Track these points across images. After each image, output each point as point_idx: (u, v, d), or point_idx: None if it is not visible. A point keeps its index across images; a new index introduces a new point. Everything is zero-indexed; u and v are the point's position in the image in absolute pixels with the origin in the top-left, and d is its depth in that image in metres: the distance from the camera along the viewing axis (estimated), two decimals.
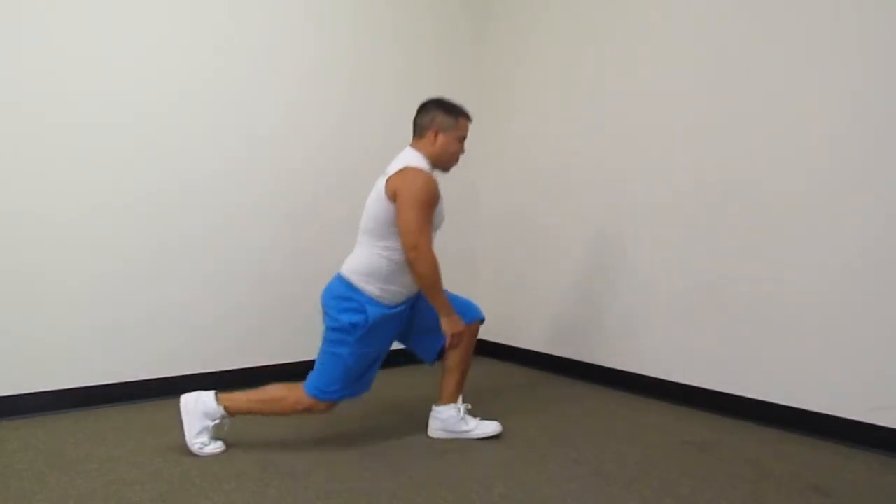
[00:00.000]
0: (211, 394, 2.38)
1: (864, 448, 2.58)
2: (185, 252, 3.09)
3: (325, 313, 2.47)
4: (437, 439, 2.60)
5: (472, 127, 2.59)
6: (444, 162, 2.54)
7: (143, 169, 2.97)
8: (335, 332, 2.41)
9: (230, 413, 2.39)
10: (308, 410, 2.42)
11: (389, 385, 3.37)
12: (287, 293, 3.40)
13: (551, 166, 3.74)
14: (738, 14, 2.94)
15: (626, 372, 3.38)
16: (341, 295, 2.43)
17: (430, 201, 2.37)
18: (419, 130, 2.52)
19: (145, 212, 2.99)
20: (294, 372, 3.39)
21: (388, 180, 2.41)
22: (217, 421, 2.38)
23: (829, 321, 2.68)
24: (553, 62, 3.73)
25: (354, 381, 2.44)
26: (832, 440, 2.67)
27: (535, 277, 3.84)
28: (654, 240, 3.26)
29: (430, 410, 2.64)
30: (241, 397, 2.41)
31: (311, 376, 2.43)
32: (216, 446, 2.39)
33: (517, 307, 3.91)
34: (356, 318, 2.38)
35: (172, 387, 3.06)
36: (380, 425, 2.76)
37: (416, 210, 2.33)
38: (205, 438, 2.37)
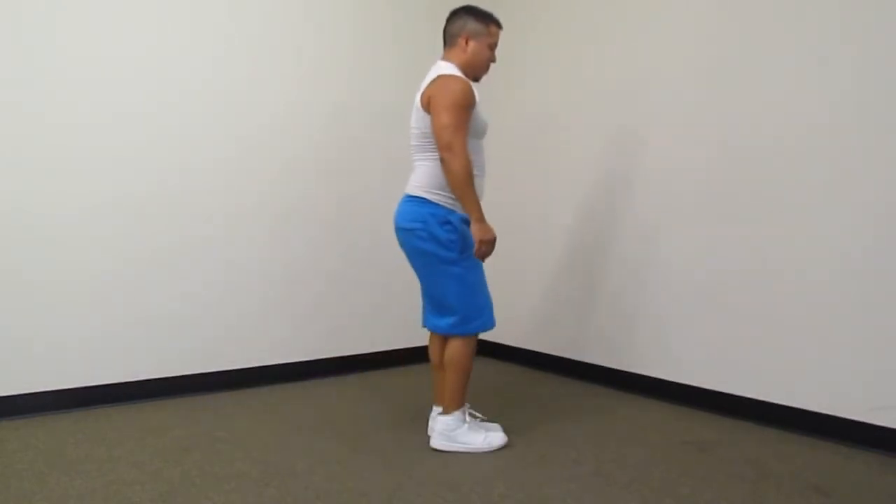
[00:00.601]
0: (434, 414, 2.56)
1: (864, 448, 2.58)
2: (185, 252, 3.09)
3: (413, 238, 2.42)
4: None
5: None
6: (475, 69, 2.49)
7: (141, 169, 2.97)
8: (438, 258, 2.38)
9: (455, 407, 2.47)
10: (474, 351, 2.49)
11: (389, 385, 3.37)
12: (289, 292, 3.40)
13: (552, 165, 3.74)
14: (745, 13, 2.94)
15: (625, 372, 3.38)
16: (422, 213, 2.39)
17: (463, 103, 2.32)
18: (450, 39, 2.49)
19: (145, 212, 2.98)
20: (295, 372, 3.41)
21: (423, 93, 2.40)
22: (467, 422, 2.50)
23: (829, 321, 2.68)
24: (554, 60, 3.72)
25: (487, 292, 2.47)
26: (832, 440, 2.66)
27: (533, 276, 3.84)
28: (654, 241, 3.26)
29: (430, 410, 2.62)
30: (447, 395, 2.49)
31: (451, 318, 2.43)
32: (495, 428, 2.57)
33: (517, 307, 3.90)
34: (447, 229, 2.37)
35: (172, 387, 3.07)
36: (380, 425, 2.76)
37: (450, 112, 2.29)
38: (477, 435, 2.49)
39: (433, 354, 2.62)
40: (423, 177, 2.42)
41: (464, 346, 2.46)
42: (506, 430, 2.61)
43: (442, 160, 2.33)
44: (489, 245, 2.39)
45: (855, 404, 2.62)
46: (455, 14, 2.51)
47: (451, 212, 2.39)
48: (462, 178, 2.31)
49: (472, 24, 2.46)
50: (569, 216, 3.65)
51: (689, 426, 2.83)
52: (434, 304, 2.51)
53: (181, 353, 3.10)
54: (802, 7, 2.75)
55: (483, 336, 2.97)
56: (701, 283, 3.08)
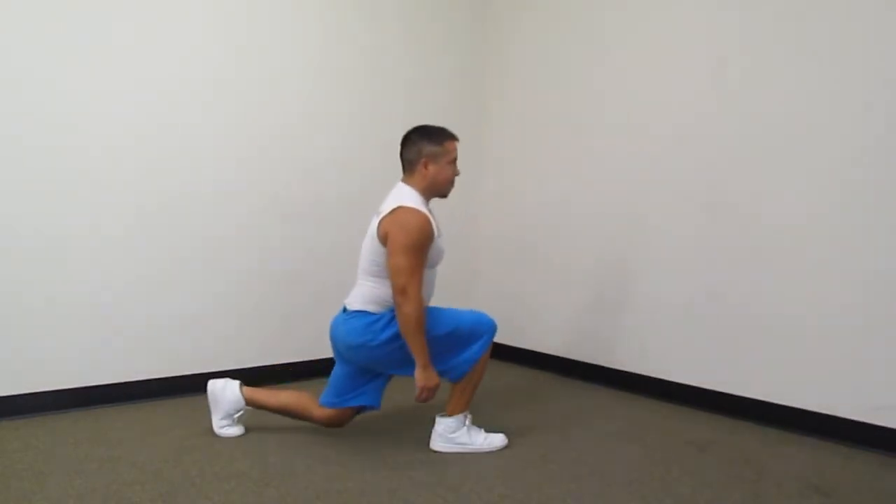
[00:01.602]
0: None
1: (864, 448, 2.58)
2: (185, 253, 3.09)
3: (360, 349, 2.43)
4: None
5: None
6: (440, 190, 2.48)
7: (149, 171, 2.97)
8: (390, 346, 2.39)
9: (459, 411, 2.48)
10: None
11: (389, 385, 3.37)
12: (290, 294, 3.39)
13: (553, 173, 3.73)
14: (742, 25, 2.94)
15: (626, 372, 3.38)
16: (365, 323, 2.41)
17: (421, 243, 2.32)
18: (408, 165, 2.47)
19: (146, 212, 2.98)
20: (295, 371, 3.41)
21: (380, 222, 2.38)
22: (467, 424, 2.48)
23: (829, 321, 2.68)
24: (553, 71, 3.71)
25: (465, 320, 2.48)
26: (832, 440, 2.66)
27: (535, 279, 3.84)
28: (655, 242, 3.25)
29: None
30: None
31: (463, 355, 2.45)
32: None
33: (517, 307, 3.90)
34: (394, 328, 2.37)
35: (172, 387, 3.06)
36: (380, 426, 2.76)
37: (407, 254, 2.29)
38: (477, 436, 2.50)
39: None
40: (371, 296, 2.43)
41: (483, 357, 2.49)
42: (506, 431, 2.61)
43: (395, 303, 2.32)
44: (430, 392, 2.39)
45: (855, 404, 2.62)
46: (408, 139, 2.47)
47: (393, 319, 2.38)
48: (413, 323, 2.30)
49: (428, 147, 2.42)
50: (569, 219, 3.65)
51: (689, 426, 2.83)
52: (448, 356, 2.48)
53: (181, 353, 3.10)
54: (808, 11, 2.75)
55: None
56: (701, 284, 3.08)
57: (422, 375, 2.35)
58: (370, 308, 2.42)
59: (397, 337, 2.37)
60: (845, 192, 2.64)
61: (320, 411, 2.57)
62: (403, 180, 2.49)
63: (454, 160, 2.48)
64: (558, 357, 3.71)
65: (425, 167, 2.43)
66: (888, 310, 2.54)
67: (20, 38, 2.67)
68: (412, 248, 2.30)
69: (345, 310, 2.51)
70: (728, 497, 2.12)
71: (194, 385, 3.11)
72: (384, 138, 3.57)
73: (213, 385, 2.58)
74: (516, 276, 3.94)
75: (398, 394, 3.16)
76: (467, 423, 2.51)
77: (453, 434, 2.48)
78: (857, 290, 2.61)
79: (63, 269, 2.80)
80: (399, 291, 2.29)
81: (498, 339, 3.97)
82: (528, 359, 3.88)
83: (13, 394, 2.72)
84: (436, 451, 2.48)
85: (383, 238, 2.35)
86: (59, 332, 2.81)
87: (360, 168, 3.57)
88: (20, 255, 2.72)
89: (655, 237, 3.25)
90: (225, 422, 2.57)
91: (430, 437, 2.52)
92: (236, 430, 2.58)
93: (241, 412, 2.58)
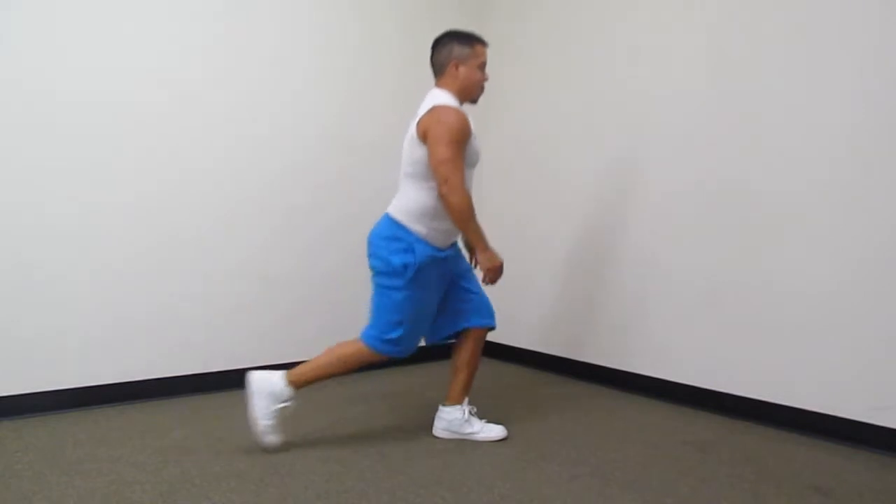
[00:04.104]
0: (279, 374, 2.41)
1: (864, 448, 2.58)
2: (185, 252, 3.09)
3: (374, 255, 2.47)
4: (439, 438, 2.60)
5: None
6: (470, 93, 2.51)
7: (144, 167, 2.97)
8: (387, 277, 2.42)
9: (298, 386, 2.41)
10: (369, 362, 2.47)
11: (390, 384, 3.37)
12: (290, 292, 3.40)
13: (550, 165, 3.74)
14: (741, 13, 2.94)
15: (625, 372, 3.38)
16: (390, 235, 2.43)
17: (460, 136, 2.35)
18: (439, 68, 2.51)
19: (146, 212, 2.98)
20: None
21: (418, 122, 2.40)
22: (286, 402, 2.41)
23: (829, 321, 2.68)
24: (551, 61, 3.72)
25: (411, 329, 2.45)
26: (832, 440, 2.67)
27: (534, 277, 3.84)
28: (654, 240, 3.26)
29: (430, 410, 2.64)
30: (305, 368, 2.44)
31: (368, 326, 2.46)
32: (276, 438, 2.42)
33: (517, 307, 3.91)
34: (407, 258, 2.39)
35: (172, 387, 3.06)
36: (380, 425, 2.76)
37: (447, 145, 2.31)
38: (272, 422, 2.40)
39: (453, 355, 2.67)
40: (409, 202, 2.44)
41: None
42: (506, 430, 2.62)
43: (441, 195, 2.35)
44: (495, 272, 2.48)
45: (855, 404, 2.63)
46: (439, 42, 2.52)
47: (420, 241, 2.41)
48: (464, 212, 2.36)
49: (458, 49, 2.47)
50: (571, 222, 3.65)
51: (689, 426, 2.83)
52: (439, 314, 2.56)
53: (181, 353, 3.10)
54: (806, 6, 2.75)
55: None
56: (701, 284, 3.08)
57: (483, 258, 2.46)
58: (403, 218, 2.43)
59: (400, 273, 2.38)
60: (846, 193, 2.64)
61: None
62: (436, 85, 2.52)
63: (483, 64, 2.53)
64: (558, 357, 3.72)
65: (456, 68, 2.47)
66: (889, 310, 2.54)
67: (22, 32, 2.67)
68: (452, 141, 2.33)
69: (386, 214, 2.52)
70: (728, 497, 2.12)
71: (194, 385, 3.12)
72: (372, 136, 3.61)
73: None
74: (515, 275, 3.94)
75: (399, 393, 3.16)
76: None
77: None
78: (858, 291, 2.61)
79: (63, 270, 2.80)
80: (443, 182, 2.33)
81: (498, 338, 4.02)
82: (527, 358, 3.88)
83: (13, 394, 2.72)
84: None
85: (423, 136, 2.37)
86: (59, 331, 2.80)
87: (357, 165, 3.58)
88: (20, 255, 2.71)
89: (655, 237, 3.25)
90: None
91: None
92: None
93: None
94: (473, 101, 2.55)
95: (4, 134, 2.67)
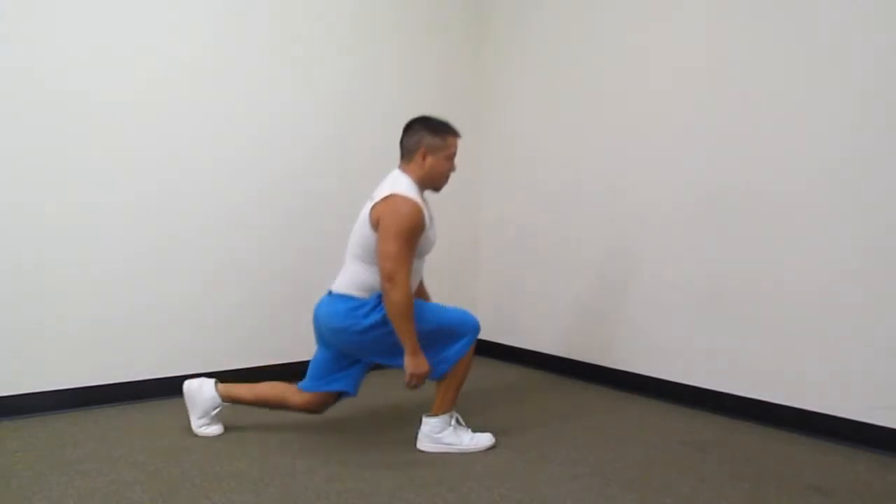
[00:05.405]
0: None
1: (864, 448, 2.58)
2: (185, 252, 3.09)
3: (342, 330, 2.42)
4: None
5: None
6: (434, 183, 2.49)
7: (143, 167, 2.97)
8: (371, 330, 2.38)
9: (444, 410, 2.46)
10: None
11: (389, 386, 3.37)
12: (289, 293, 3.39)
13: (552, 168, 3.73)
14: (740, 16, 2.94)
15: (625, 372, 3.38)
16: (349, 307, 2.41)
17: (412, 231, 2.32)
18: (406, 153, 2.47)
19: (147, 212, 2.99)
20: (296, 372, 3.39)
21: (373, 207, 2.38)
22: (452, 424, 2.47)
23: (828, 321, 2.68)
24: (554, 65, 3.71)
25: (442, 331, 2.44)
26: (832, 440, 2.66)
27: (534, 277, 3.83)
28: (654, 240, 3.25)
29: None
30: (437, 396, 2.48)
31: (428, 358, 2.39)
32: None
33: (517, 307, 3.90)
34: (375, 315, 2.37)
35: (172, 387, 3.05)
36: (380, 426, 2.76)
37: (395, 240, 2.29)
38: (464, 436, 2.47)
39: None
40: (357, 280, 2.43)
41: (466, 357, 2.48)
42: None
43: (382, 289, 2.32)
44: (420, 379, 2.37)
45: (855, 404, 2.62)
46: (410, 127, 2.48)
47: (379, 305, 2.39)
48: (401, 310, 2.29)
49: (428, 139, 2.43)
50: (567, 219, 3.64)
51: (689, 426, 2.83)
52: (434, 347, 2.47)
53: (181, 353, 3.10)
54: (805, 8, 2.75)
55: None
56: (701, 283, 3.07)
57: (411, 362, 2.34)
58: (356, 293, 2.42)
59: (381, 324, 2.37)
60: (846, 192, 2.64)
61: (299, 397, 2.55)
62: (400, 167, 2.49)
63: (452, 155, 2.49)
64: (558, 357, 3.71)
65: (423, 158, 2.43)
66: (889, 310, 2.54)
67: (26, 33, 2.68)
68: (403, 236, 2.30)
69: (330, 293, 2.51)
70: (728, 497, 2.12)
71: None
72: (370, 139, 3.60)
73: (189, 385, 2.56)
74: (516, 274, 3.94)
75: (399, 393, 3.16)
76: (453, 422, 2.50)
77: (439, 434, 2.47)
78: (858, 290, 2.61)
79: (63, 270, 2.80)
80: (387, 278, 2.29)
81: (498, 338, 4.02)
82: (527, 358, 3.88)
83: (13, 394, 2.73)
84: (422, 451, 2.47)
85: (375, 223, 2.35)
86: (60, 332, 2.81)
87: (356, 167, 3.57)
88: (21, 255, 2.72)
89: (655, 237, 3.25)
90: (203, 420, 2.55)
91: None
92: (215, 429, 2.56)
93: (219, 409, 2.56)
94: (436, 190, 2.52)
95: (4, 134, 2.67)
